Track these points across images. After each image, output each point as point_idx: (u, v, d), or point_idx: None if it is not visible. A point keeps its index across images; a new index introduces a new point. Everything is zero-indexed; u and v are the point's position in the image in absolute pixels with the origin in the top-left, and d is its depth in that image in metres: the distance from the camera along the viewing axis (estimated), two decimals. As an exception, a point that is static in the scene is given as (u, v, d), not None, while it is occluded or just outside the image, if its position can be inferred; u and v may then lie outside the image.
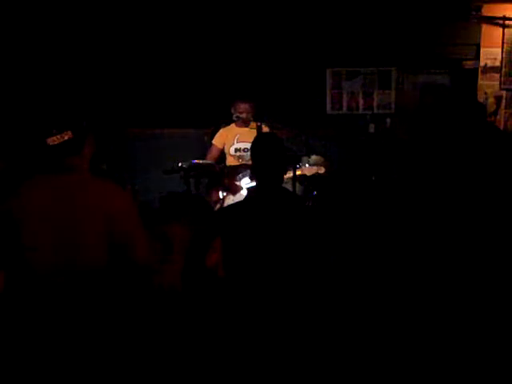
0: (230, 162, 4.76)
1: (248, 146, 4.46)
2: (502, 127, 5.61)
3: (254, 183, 2.70)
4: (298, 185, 4.12)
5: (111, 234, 2.19)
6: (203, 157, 4.72)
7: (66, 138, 2.21)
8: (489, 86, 5.71)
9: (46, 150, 2.24)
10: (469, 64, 5.77)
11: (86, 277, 2.16)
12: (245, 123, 4.72)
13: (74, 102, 5.18)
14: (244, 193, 4.17)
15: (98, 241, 2.18)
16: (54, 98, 5.45)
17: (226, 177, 4.45)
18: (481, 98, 5.66)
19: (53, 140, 2.21)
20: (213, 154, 4.81)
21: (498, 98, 5.69)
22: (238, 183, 4.46)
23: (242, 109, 4.68)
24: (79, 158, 2.28)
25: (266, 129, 4.47)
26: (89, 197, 2.20)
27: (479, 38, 5.66)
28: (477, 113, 4.06)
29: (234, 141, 4.76)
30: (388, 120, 5.92)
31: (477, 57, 5.72)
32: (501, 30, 5.60)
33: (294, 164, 3.95)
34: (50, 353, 2.06)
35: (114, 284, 2.16)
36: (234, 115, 4.70)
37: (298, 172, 4.12)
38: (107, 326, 2.12)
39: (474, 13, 5.56)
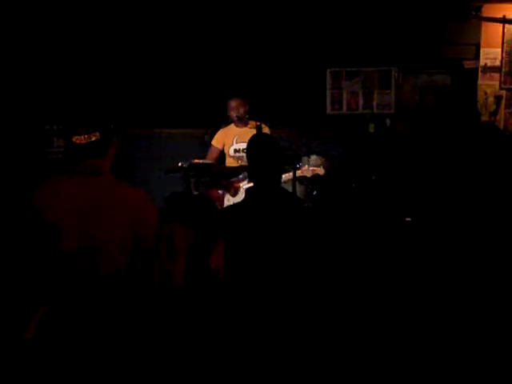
0: (230, 162, 4.73)
1: (247, 146, 4.46)
2: (502, 127, 5.60)
3: (251, 184, 2.69)
4: (298, 185, 4.11)
5: (136, 239, 2.15)
6: (203, 157, 4.71)
7: (93, 138, 2.18)
8: (489, 86, 5.71)
9: (72, 149, 2.20)
10: (469, 64, 5.77)
11: (109, 282, 2.12)
12: (242, 122, 4.69)
13: (74, 102, 5.19)
14: (243, 194, 4.17)
15: (124, 245, 2.14)
16: (55, 98, 5.47)
17: (226, 177, 4.44)
18: (481, 98, 5.66)
19: (79, 139, 2.19)
20: (212, 155, 4.78)
21: (498, 98, 5.69)
22: (237, 184, 4.45)
23: (233, 105, 4.68)
24: (103, 160, 2.24)
25: (266, 129, 4.46)
26: (117, 201, 2.17)
27: (479, 38, 5.66)
28: (470, 117, 4.08)
29: (233, 141, 4.73)
30: (388, 120, 5.93)
31: (477, 57, 5.72)
32: (501, 30, 5.60)
33: (294, 164, 3.93)
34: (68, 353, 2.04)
35: (131, 288, 2.14)
36: (230, 115, 4.69)
37: (298, 172, 4.12)
38: (120, 327, 2.11)
39: (473, 13, 5.56)
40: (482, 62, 5.69)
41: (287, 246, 2.48)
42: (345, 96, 6.02)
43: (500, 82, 5.70)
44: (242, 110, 4.66)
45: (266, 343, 2.33)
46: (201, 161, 4.39)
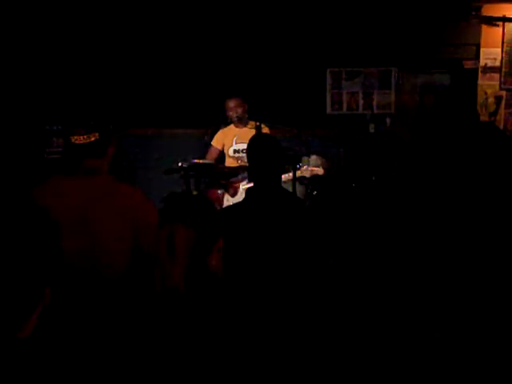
0: (230, 163, 4.72)
1: (247, 146, 4.45)
2: (502, 127, 5.61)
3: (251, 184, 2.69)
4: (298, 185, 4.11)
5: (135, 239, 2.15)
6: (203, 157, 4.71)
7: (92, 139, 2.18)
8: (489, 86, 5.72)
9: (71, 149, 2.20)
10: (469, 64, 5.77)
11: (109, 282, 2.12)
12: (241, 122, 4.68)
13: (74, 102, 5.19)
14: (243, 194, 4.16)
15: (123, 246, 2.14)
16: (55, 98, 5.47)
17: (225, 178, 4.44)
18: (481, 98, 5.66)
19: (79, 139, 2.18)
20: (212, 155, 4.77)
21: (498, 98, 5.69)
22: (236, 184, 4.45)
23: (231, 105, 4.66)
24: (102, 161, 2.24)
25: (265, 129, 4.46)
26: (116, 201, 2.16)
27: (479, 38, 5.67)
28: (470, 117, 4.08)
29: (233, 142, 4.72)
30: (388, 120, 5.93)
31: (477, 57, 5.72)
32: (501, 30, 5.61)
33: (294, 164, 3.93)
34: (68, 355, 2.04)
35: (130, 288, 2.14)
36: (229, 116, 4.68)
37: (298, 173, 4.11)
38: (120, 327, 2.10)
39: (474, 13, 5.57)
40: (482, 62, 5.70)
41: (287, 245, 2.48)
42: (345, 96, 6.02)
43: (500, 82, 5.71)
44: (240, 110, 4.64)
45: (263, 343, 2.33)
46: (201, 161, 4.39)
